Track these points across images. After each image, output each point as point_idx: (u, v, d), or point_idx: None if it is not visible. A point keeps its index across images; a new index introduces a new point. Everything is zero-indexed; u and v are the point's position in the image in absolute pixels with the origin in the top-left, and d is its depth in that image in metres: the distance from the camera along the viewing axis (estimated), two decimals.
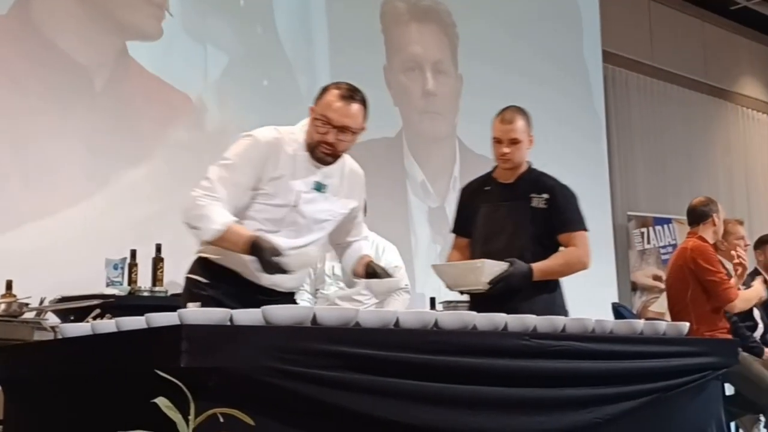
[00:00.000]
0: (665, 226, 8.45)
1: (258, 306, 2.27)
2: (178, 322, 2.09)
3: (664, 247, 8.36)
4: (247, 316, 2.21)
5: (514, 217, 3.50)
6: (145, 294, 4.50)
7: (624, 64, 8.70)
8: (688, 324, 3.31)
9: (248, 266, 2.90)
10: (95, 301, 3.64)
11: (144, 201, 5.02)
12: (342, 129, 2.97)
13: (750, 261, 5.53)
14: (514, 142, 3.51)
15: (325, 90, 3.03)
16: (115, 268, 4.54)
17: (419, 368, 2.34)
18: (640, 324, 3.08)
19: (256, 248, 2.78)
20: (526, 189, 3.53)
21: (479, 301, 3.27)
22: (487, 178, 3.68)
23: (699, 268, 4.64)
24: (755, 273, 5.30)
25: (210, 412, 1.75)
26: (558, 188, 3.55)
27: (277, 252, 2.77)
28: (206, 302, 2.66)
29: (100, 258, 4.56)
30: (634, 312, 7.34)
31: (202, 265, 3.03)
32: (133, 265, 4.62)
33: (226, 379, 1.98)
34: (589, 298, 6.06)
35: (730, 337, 4.55)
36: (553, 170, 7.67)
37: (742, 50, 10.14)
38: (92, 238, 4.78)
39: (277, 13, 6.01)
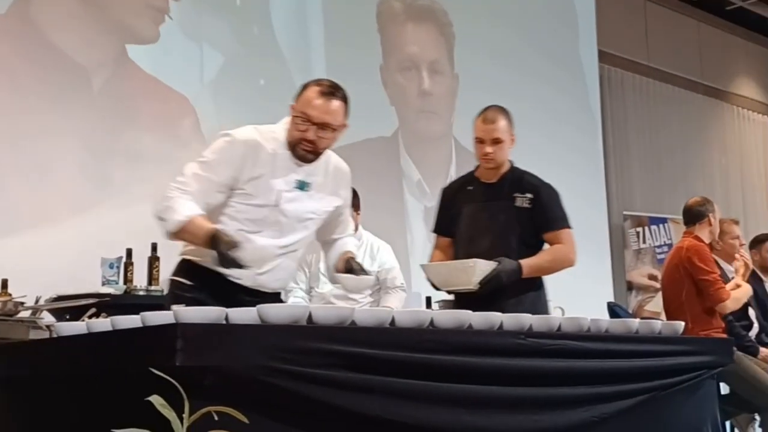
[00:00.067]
0: (661, 225, 8.46)
1: (243, 307, 2.26)
2: (174, 321, 2.09)
3: (659, 246, 8.37)
4: (243, 315, 2.21)
5: (498, 217, 3.51)
6: (141, 293, 4.50)
7: (620, 64, 8.71)
8: (683, 323, 3.32)
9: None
10: (91, 300, 3.63)
11: (139, 200, 5.01)
12: (322, 126, 2.94)
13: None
14: (497, 141, 3.51)
15: (305, 87, 3.01)
16: (111, 267, 4.54)
17: (415, 367, 2.34)
18: (635, 323, 3.08)
19: (215, 241, 2.75)
20: (509, 189, 3.54)
21: (466, 300, 3.26)
22: (469, 178, 3.68)
23: (693, 267, 4.66)
24: (751, 272, 5.30)
25: (204, 410, 1.75)
26: (541, 187, 3.56)
27: (234, 246, 2.73)
28: (190, 304, 2.59)
29: (96, 257, 4.56)
30: (630, 311, 7.35)
31: (185, 267, 3.01)
32: (128, 264, 4.62)
33: (221, 377, 1.98)
34: (584, 297, 6.07)
35: (725, 336, 4.56)
36: (549, 170, 7.66)
37: (738, 50, 10.16)
38: (88, 237, 4.78)
39: (273, 13, 6.01)
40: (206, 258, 2.90)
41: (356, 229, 4.59)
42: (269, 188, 2.94)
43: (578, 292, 6.49)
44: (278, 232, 2.98)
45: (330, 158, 3.12)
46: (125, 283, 4.56)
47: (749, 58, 10.31)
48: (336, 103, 2.97)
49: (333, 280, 3.47)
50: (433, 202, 6.81)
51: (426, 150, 6.79)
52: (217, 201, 2.93)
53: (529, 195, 3.52)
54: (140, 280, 4.64)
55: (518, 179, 3.57)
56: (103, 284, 4.47)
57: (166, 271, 4.56)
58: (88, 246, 4.69)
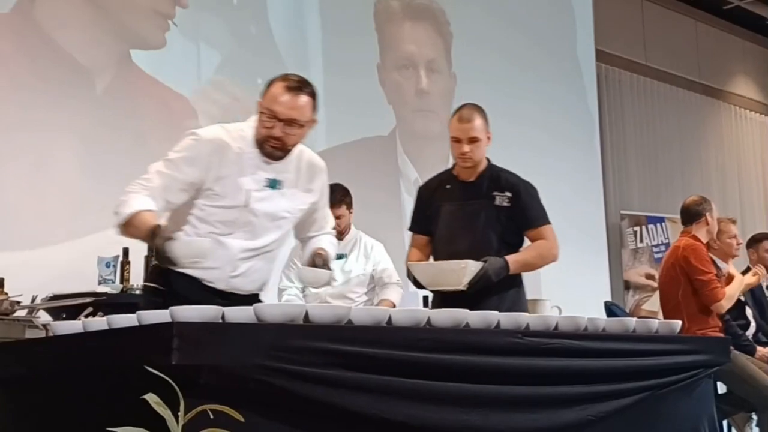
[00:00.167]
0: (658, 224, 8.47)
1: None
2: (170, 320, 2.08)
3: (656, 245, 8.38)
4: (239, 314, 2.20)
5: (478, 216, 3.51)
6: (137, 292, 4.49)
7: (617, 63, 8.72)
8: (680, 322, 3.32)
9: (208, 271, 2.85)
10: (87, 299, 3.63)
11: None
12: (289, 122, 2.87)
13: (743, 259, 5.55)
14: (474, 140, 3.50)
15: (271, 83, 2.93)
16: (108, 266, 4.53)
17: (411, 366, 2.34)
18: (632, 322, 3.08)
19: (152, 236, 2.70)
20: (488, 187, 3.54)
21: (449, 299, 3.26)
22: (446, 176, 3.67)
23: (689, 267, 4.67)
24: (747, 271, 5.31)
25: (200, 408, 1.75)
26: (520, 185, 3.56)
27: (167, 240, 2.66)
28: (161, 308, 2.60)
29: (93, 256, 4.55)
30: (627, 310, 7.36)
31: (158, 272, 2.94)
32: (125, 263, 4.60)
33: (216, 376, 1.98)
34: (581, 296, 6.08)
35: (722, 335, 4.56)
36: (547, 170, 7.68)
37: (735, 50, 10.17)
38: (85, 236, 4.77)
39: (270, 12, 6.01)
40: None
41: (349, 227, 4.60)
42: (238, 188, 2.88)
43: (575, 291, 6.51)
44: (250, 233, 2.93)
45: (303, 154, 3.05)
46: (122, 282, 4.55)
47: (746, 57, 10.32)
48: (303, 99, 2.89)
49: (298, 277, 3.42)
50: None
51: (423, 149, 6.79)
52: (181, 200, 2.87)
53: (508, 194, 3.52)
54: (137, 279, 4.62)
55: (496, 177, 3.57)
56: (100, 283, 4.46)
57: None
58: (85, 245, 4.68)
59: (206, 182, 2.87)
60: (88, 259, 4.54)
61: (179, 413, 1.67)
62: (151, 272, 3.03)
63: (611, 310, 5.45)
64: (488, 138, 3.56)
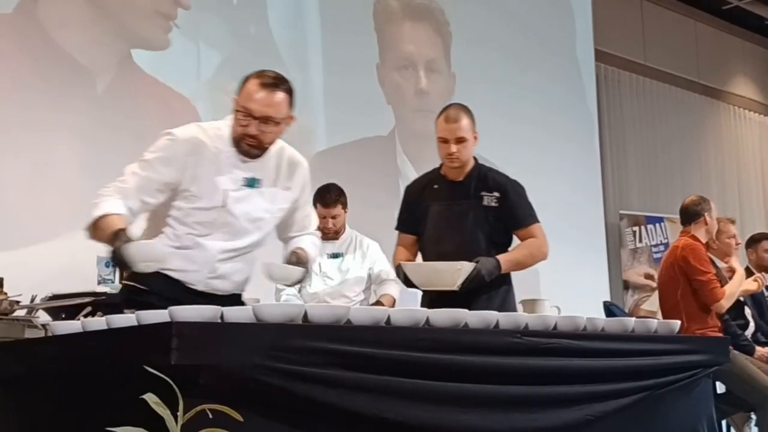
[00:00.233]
0: (657, 224, 8.47)
1: None
2: (169, 320, 2.09)
3: (656, 245, 8.38)
4: (238, 314, 2.21)
5: (466, 216, 3.52)
6: None
7: (616, 63, 8.71)
8: (679, 322, 3.32)
9: (187, 271, 2.84)
10: (86, 299, 3.62)
11: None
12: (264, 120, 2.80)
13: (741, 259, 5.55)
14: (461, 140, 3.51)
15: (246, 79, 2.86)
16: (107, 265, 4.52)
17: (410, 366, 2.34)
18: (631, 322, 3.08)
19: (113, 240, 2.63)
20: (476, 187, 3.55)
21: (438, 298, 3.27)
22: (434, 176, 3.68)
23: (689, 267, 4.67)
24: (746, 271, 5.31)
25: (199, 408, 1.75)
26: (508, 185, 3.57)
27: (124, 244, 2.60)
28: (140, 307, 2.51)
29: (92, 255, 4.55)
30: (626, 310, 7.36)
31: (136, 272, 2.83)
32: None
33: (215, 376, 1.98)
34: (580, 296, 6.08)
35: (721, 335, 4.56)
36: (546, 170, 7.67)
37: (735, 50, 10.17)
38: (84, 236, 4.77)
39: (270, 12, 6.02)
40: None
41: (344, 227, 4.62)
42: (214, 188, 2.83)
43: (574, 291, 6.51)
44: (229, 234, 2.88)
45: (283, 151, 2.98)
46: (121, 282, 4.54)
47: (746, 57, 10.32)
48: (279, 96, 2.82)
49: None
50: None
51: (422, 149, 6.77)
52: (158, 200, 2.83)
53: (496, 194, 3.53)
54: None
55: (484, 177, 3.58)
56: (99, 283, 4.45)
57: None
58: (85, 245, 4.68)
59: (183, 183, 2.83)
60: (88, 258, 4.53)
61: (178, 413, 1.67)
62: (131, 271, 2.90)
63: (610, 310, 5.45)
64: (475, 138, 3.57)
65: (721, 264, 5.02)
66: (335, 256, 4.57)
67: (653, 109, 9.03)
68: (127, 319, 2.26)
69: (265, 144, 2.87)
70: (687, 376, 3.18)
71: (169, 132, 2.89)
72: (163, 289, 2.82)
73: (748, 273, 5.27)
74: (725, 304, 4.67)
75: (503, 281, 3.52)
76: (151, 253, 2.63)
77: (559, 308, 3.53)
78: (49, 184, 4.83)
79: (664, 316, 4.63)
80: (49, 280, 4.24)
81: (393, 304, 4.46)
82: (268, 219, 2.96)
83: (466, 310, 2.62)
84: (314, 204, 4.56)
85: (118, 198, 2.77)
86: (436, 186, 3.62)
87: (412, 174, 6.66)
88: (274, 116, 2.82)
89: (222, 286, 2.92)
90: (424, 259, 3.59)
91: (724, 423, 5.14)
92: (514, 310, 3.48)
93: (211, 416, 1.78)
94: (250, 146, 2.85)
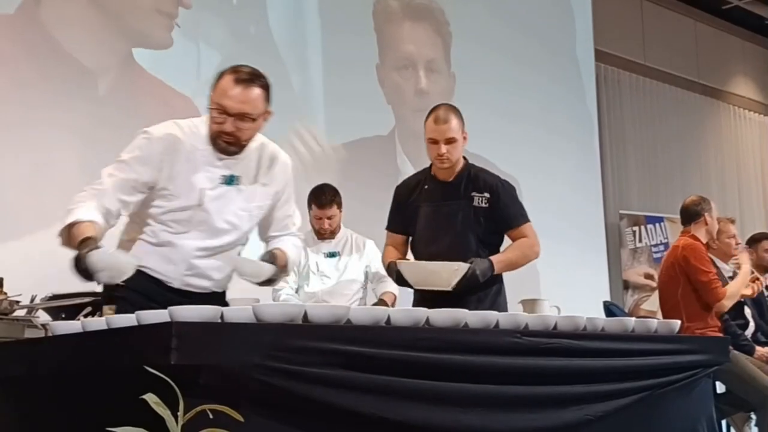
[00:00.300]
0: (657, 224, 8.47)
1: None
2: (169, 319, 2.09)
3: (655, 245, 8.38)
4: (238, 314, 2.21)
5: (457, 216, 3.53)
6: None
7: (616, 63, 8.72)
8: (679, 322, 3.32)
9: (162, 267, 2.82)
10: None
11: None
12: (240, 117, 2.75)
13: None
14: (451, 141, 3.52)
15: (221, 75, 2.79)
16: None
17: (410, 366, 2.34)
18: (631, 322, 3.08)
19: (78, 247, 2.57)
20: (466, 187, 3.56)
21: (430, 297, 3.29)
22: (425, 176, 3.69)
23: (689, 267, 4.67)
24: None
25: (199, 408, 1.75)
26: (499, 186, 3.58)
27: (87, 253, 2.52)
28: (122, 305, 2.57)
29: None
30: (626, 310, 7.36)
31: None
32: None
33: (216, 376, 1.98)
34: (580, 296, 6.08)
35: (721, 335, 4.56)
36: (546, 170, 7.66)
37: (735, 50, 10.17)
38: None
39: (270, 12, 6.01)
40: (137, 259, 2.78)
41: (339, 226, 4.63)
42: (191, 187, 2.79)
43: (574, 291, 6.51)
44: (205, 232, 2.83)
45: (264, 148, 2.93)
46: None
47: (746, 57, 10.33)
48: (255, 91, 2.76)
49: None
50: None
51: (422, 149, 6.70)
52: (136, 199, 2.79)
53: (486, 194, 3.54)
54: None
55: (474, 177, 3.59)
56: (99, 283, 4.45)
57: None
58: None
59: (160, 181, 2.79)
60: None
61: (179, 413, 1.67)
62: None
63: (610, 309, 5.46)
64: (464, 138, 3.57)
65: (721, 264, 5.02)
66: (332, 255, 4.59)
67: (653, 109, 9.03)
68: (126, 319, 2.26)
69: (242, 141, 2.82)
70: (687, 376, 3.18)
71: (145, 131, 2.85)
72: (140, 285, 2.77)
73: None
74: (727, 303, 4.67)
75: (494, 281, 3.53)
76: (114, 264, 2.54)
77: (559, 308, 3.54)
78: (50, 184, 4.82)
79: (665, 316, 4.64)
80: (49, 280, 4.23)
81: (394, 302, 4.47)
82: (246, 217, 2.91)
83: (466, 310, 2.62)
84: (309, 205, 4.58)
85: (93, 203, 2.70)
86: (426, 186, 3.63)
87: (411, 174, 6.67)
88: (251, 113, 2.77)
89: (200, 284, 2.88)
90: (416, 259, 3.60)
91: (724, 423, 5.14)
92: (506, 309, 3.50)
93: (211, 416, 1.78)
94: (227, 144, 2.80)
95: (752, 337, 5.07)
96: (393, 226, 3.72)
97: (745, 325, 5.08)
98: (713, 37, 9.81)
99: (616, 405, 2.87)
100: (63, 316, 3.67)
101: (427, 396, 2.36)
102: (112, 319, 2.30)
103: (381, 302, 4.44)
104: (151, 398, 1.63)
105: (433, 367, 2.39)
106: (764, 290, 5.44)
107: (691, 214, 4.86)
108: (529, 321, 2.72)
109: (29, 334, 3.35)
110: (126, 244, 2.94)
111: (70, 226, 2.65)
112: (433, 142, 3.53)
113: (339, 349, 2.20)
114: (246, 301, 2.96)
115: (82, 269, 2.53)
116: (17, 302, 3.52)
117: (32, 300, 3.68)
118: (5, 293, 3.78)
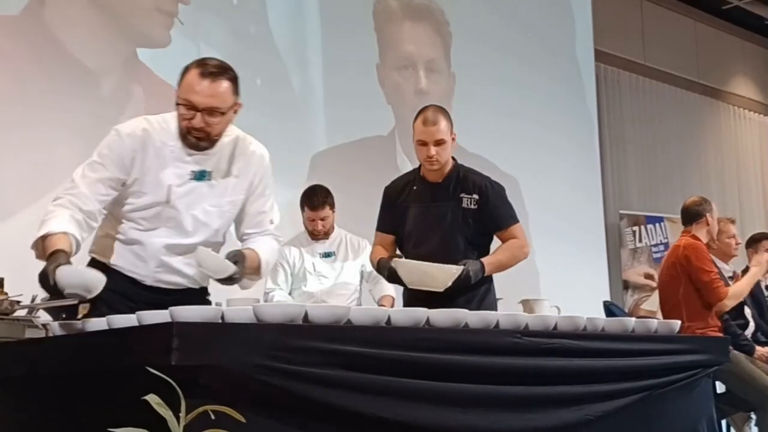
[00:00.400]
0: (657, 224, 8.47)
1: (151, 304, 2.19)
2: (170, 320, 2.09)
3: (655, 245, 8.38)
4: (239, 314, 2.21)
5: (446, 217, 3.54)
6: None
7: (616, 64, 8.72)
8: (679, 322, 3.33)
9: (136, 266, 2.80)
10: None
11: None
12: (209, 111, 2.69)
13: (741, 259, 5.56)
14: (440, 143, 3.52)
15: (186, 70, 2.72)
16: None
17: (411, 366, 2.34)
18: (631, 322, 3.08)
19: (48, 260, 2.48)
20: (455, 189, 3.57)
21: (421, 297, 3.30)
22: (414, 177, 3.70)
23: (691, 267, 4.68)
24: (746, 271, 5.31)
25: (201, 409, 1.75)
26: (487, 187, 3.59)
27: (58, 268, 2.42)
28: (97, 303, 2.53)
29: None
30: (626, 310, 7.36)
31: (92, 266, 2.79)
32: None
33: (217, 376, 1.98)
34: (580, 296, 6.08)
35: (721, 335, 4.56)
36: (545, 170, 7.66)
37: (735, 50, 10.17)
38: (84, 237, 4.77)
39: (270, 12, 6.01)
40: (112, 257, 2.80)
41: (333, 227, 4.63)
42: (159, 184, 2.74)
43: (574, 291, 6.51)
44: (174, 229, 2.78)
45: (238, 141, 2.86)
46: None
47: (746, 57, 10.33)
48: (222, 85, 2.70)
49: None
50: None
51: None
52: (114, 199, 2.75)
53: (475, 196, 3.55)
54: None
55: (463, 179, 3.60)
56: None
57: None
58: (86, 244, 4.68)
59: (130, 178, 2.75)
60: (88, 258, 4.54)
61: (180, 414, 1.67)
62: (88, 265, 2.83)
63: (610, 309, 5.46)
64: (453, 139, 3.58)
65: (721, 264, 5.03)
66: (327, 255, 4.60)
67: (653, 109, 9.03)
68: (127, 319, 2.26)
69: (213, 136, 2.76)
70: (687, 376, 3.18)
71: (115, 128, 2.80)
72: (116, 285, 2.72)
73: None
74: (729, 303, 4.68)
75: (483, 281, 3.55)
76: (81, 282, 2.43)
77: (559, 308, 3.54)
78: (50, 184, 4.82)
79: (665, 316, 4.64)
80: None
81: (393, 305, 4.47)
82: (216, 213, 2.83)
83: (466, 311, 2.62)
84: (302, 207, 4.58)
85: (68, 212, 2.64)
86: (415, 187, 3.64)
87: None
88: (219, 106, 2.71)
89: (172, 280, 2.83)
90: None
91: (724, 423, 5.14)
92: (494, 308, 3.52)
93: (213, 417, 1.78)
94: (197, 139, 2.74)
95: (752, 337, 5.07)
96: (382, 226, 3.73)
97: (745, 325, 5.08)
98: (713, 37, 9.81)
99: (616, 405, 2.88)
100: (63, 316, 3.66)
101: (427, 396, 2.36)
102: (112, 320, 2.30)
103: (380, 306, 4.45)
104: (153, 399, 1.63)
105: (433, 368, 2.39)
106: (765, 290, 5.44)
107: (692, 215, 4.86)
108: (529, 321, 2.73)
109: (29, 334, 3.35)
110: (101, 240, 2.90)
111: (43, 239, 2.57)
112: (422, 143, 3.54)
113: (339, 349, 2.20)
114: (246, 302, 2.96)
115: (48, 284, 2.43)
116: (18, 302, 3.52)
117: (32, 300, 3.67)
118: (6, 293, 3.78)
